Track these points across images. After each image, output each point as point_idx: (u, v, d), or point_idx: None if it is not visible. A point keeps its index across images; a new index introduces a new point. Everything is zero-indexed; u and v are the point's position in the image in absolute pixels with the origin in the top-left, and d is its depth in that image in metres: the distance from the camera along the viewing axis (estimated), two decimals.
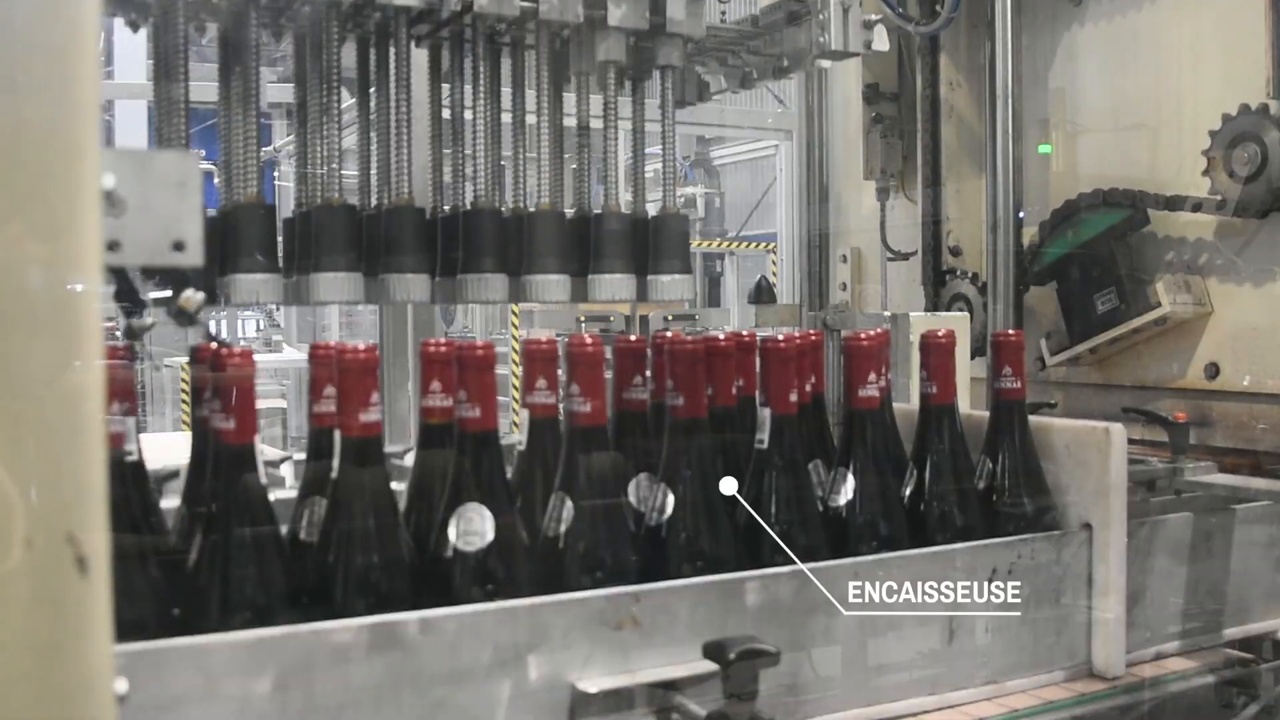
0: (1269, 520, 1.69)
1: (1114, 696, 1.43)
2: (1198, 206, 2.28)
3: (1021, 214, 2.59)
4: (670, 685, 1.17)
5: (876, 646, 1.33)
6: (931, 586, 1.36)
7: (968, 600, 1.38)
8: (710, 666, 1.16)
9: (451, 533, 1.18)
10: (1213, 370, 2.29)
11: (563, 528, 1.27)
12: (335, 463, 1.17)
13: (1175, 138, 2.38)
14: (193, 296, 1.11)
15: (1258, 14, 2.19)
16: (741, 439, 1.42)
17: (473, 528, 1.19)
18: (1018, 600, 1.42)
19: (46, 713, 0.68)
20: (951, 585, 1.37)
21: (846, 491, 1.43)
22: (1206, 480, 1.76)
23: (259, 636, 1.01)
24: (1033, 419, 1.54)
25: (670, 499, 1.32)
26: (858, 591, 1.31)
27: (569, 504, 1.27)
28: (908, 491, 1.48)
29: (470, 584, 1.18)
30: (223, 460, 1.14)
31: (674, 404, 1.34)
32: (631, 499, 1.36)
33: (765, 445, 1.39)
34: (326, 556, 1.17)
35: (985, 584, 1.40)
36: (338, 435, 1.17)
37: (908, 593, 1.34)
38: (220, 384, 1.12)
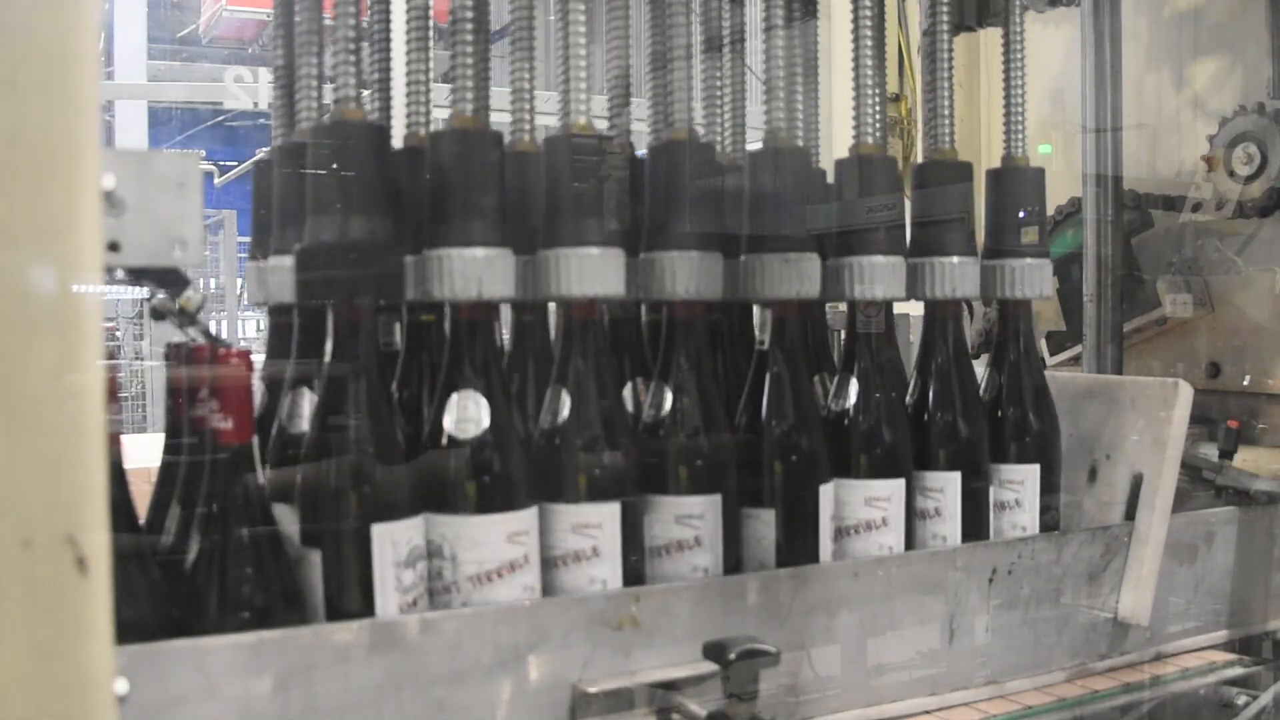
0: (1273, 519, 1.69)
1: (1114, 696, 1.43)
2: (1198, 206, 2.28)
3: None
4: (670, 685, 1.17)
5: (876, 646, 1.33)
6: (931, 586, 1.36)
7: (968, 600, 1.38)
8: (710, 666, 1.16)
9: (447, 420, 1.17)
10: (1213, 370, 2.29)
11: (561, 418, 1.24)
12: (329, 345, 1.16)
13: (1175, 137, 2.38)
14: (193, 296, 1.11)
15: (1259, 14, 2.19)
16: (742, 341, 1.42)
17: (468, 414, 1.17)
18: (1018, 600, 1.42)
19: (46, 713, 0.68)
20: (952, 585, 1.37)
21: (849, 395, 1.42)
22: (1245, 484, 1.75)
23: (259, 637, 1.01)
24: (1102, 377, 1.57)
25: (668, 396, 1.31)
26: (858, 590, 1.31)
27: (566, 396, 1.24)
28: (911, 400, 1.48)
29: (467, 473, 1.16)
30: (219, 460, 1.13)
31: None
32: (628, 402, 1.35)
33: (766, 346, 1.38)
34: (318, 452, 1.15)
35: (986, 584, 1.40)
36: (331, 315, 1.16)
37: (908, 592, 1.35)
38: (216, 384, 1.11)
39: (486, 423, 1.17)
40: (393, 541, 1.11)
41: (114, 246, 0.84)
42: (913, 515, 1.43)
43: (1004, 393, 1.55)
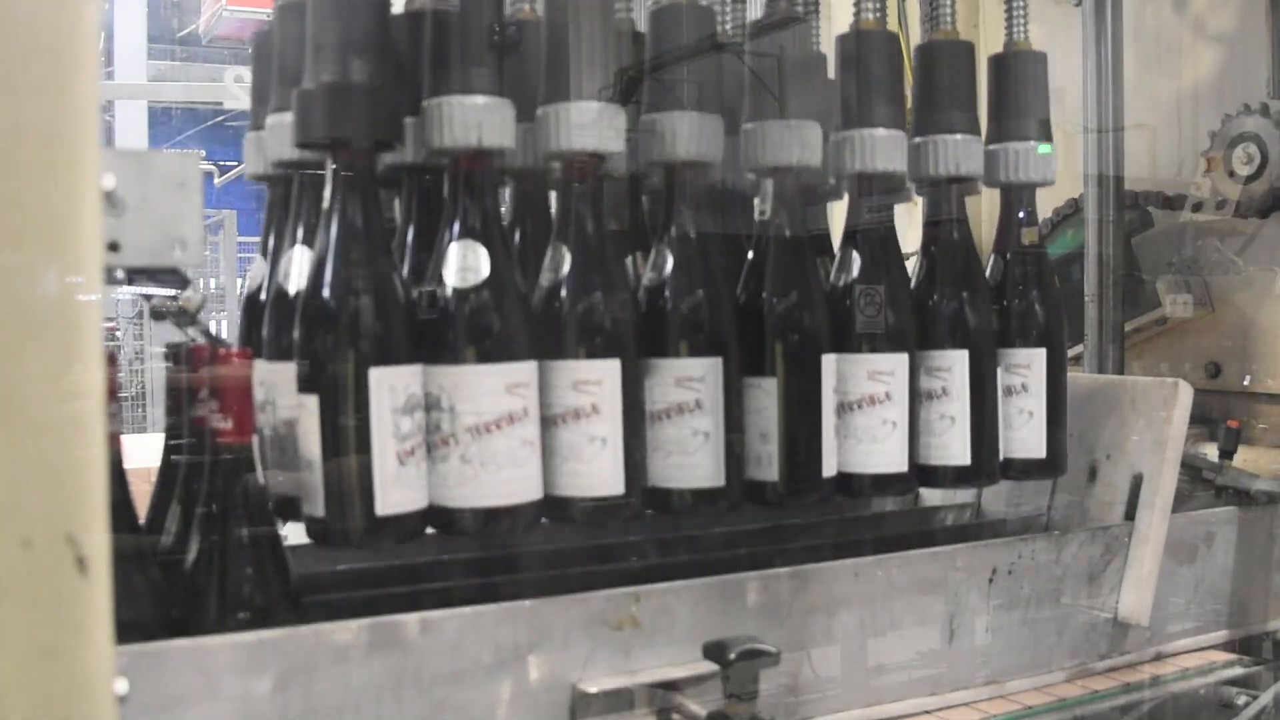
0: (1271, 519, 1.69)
1: (1114, 696, 1.43)
2: (1198, 206, 2.28)
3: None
4: (670, 685, 1.17)
5: (876, 646, 1.32)
6: (931, 585, 1.36)
7: (968, 600, 1.38)
8: (710, 666, 1.16)
9: (447, 270, 1.16)
10: (1213, 370, 2.29)
11: (561, 274, 1.23)
12: (327, 190, 1.15)
13: (1175, 137, 2.38)
14: (193, 296, 1.11)
15: (1258, 13, 2.19)
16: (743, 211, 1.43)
17: (467, 264, 1.16)
18: (1018, 599, 1.42)
19: (46, 713, 0.68)
20: (952, 584, 1.37)
21: (851, 269, 1.41)
22: (1245, 484, 1.75)
23: (259, 637, 1.01)
24: (1102, 377, 1.56)
25: (669, 258, 1.30)
26: (858, 590, 1.31)
27: (566, 252, 1.23)
28: (916, 280, 1.47)
29: (466, 323, 1.16)
30: (219, 460, 1.13)
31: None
32: (629, 268, 1.34)
33: (767, 215, 1.37)
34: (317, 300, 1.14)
35: (986, 584, 1.40)
36: (330, 159, 1.15)
37: (908, 592, 1.34)
38: (216, 384, 1.11)
39: (486, 272, 1.16)
40: (390, 387, 1.10)
41: (114, 246, 0.84)
42: (919, 397, 1.42)
43: (1008, 277, 1.53)
